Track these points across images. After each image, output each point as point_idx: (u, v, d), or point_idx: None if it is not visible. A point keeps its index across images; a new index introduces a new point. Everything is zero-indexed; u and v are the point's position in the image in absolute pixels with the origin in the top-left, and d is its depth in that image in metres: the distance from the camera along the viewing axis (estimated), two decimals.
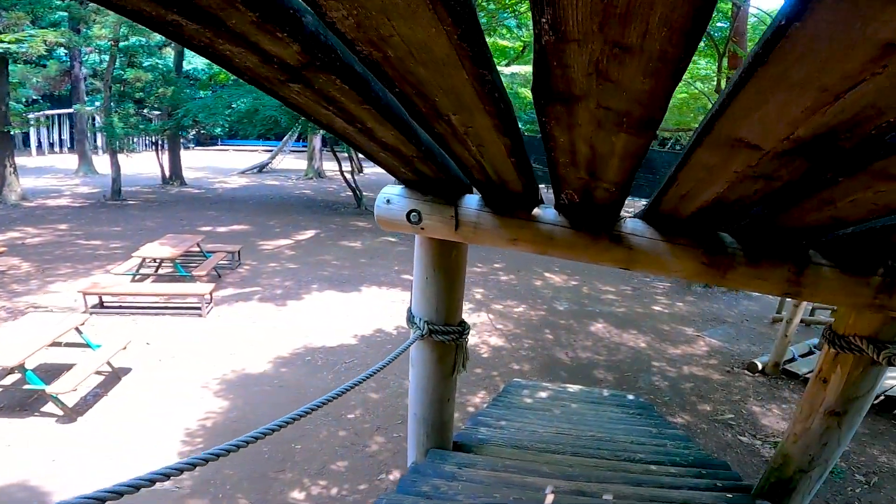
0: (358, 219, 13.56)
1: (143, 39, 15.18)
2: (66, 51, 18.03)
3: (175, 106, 14.53)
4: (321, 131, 16.43)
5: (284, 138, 22.72)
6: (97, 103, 16.87)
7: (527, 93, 11.58)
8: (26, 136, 21.51)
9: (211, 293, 6.95)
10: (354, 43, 0.73)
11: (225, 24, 0.67)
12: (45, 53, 13.09)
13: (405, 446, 2.82)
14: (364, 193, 15.24)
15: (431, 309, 2.02)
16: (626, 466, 2.56)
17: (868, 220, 1.13)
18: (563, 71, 0.68)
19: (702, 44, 12.44)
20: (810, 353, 6.62)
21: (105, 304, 6.84)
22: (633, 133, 0.85)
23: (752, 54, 0.57)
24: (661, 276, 9.33)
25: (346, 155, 16.73)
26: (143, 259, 7.88)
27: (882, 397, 5.29)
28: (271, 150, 24.19)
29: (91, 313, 6.36)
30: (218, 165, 22.94)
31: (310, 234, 11.78)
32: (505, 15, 11.61)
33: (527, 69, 11.15)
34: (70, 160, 19.60)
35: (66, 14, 13.77)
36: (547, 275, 9.94)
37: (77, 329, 5.11)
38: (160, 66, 15.69)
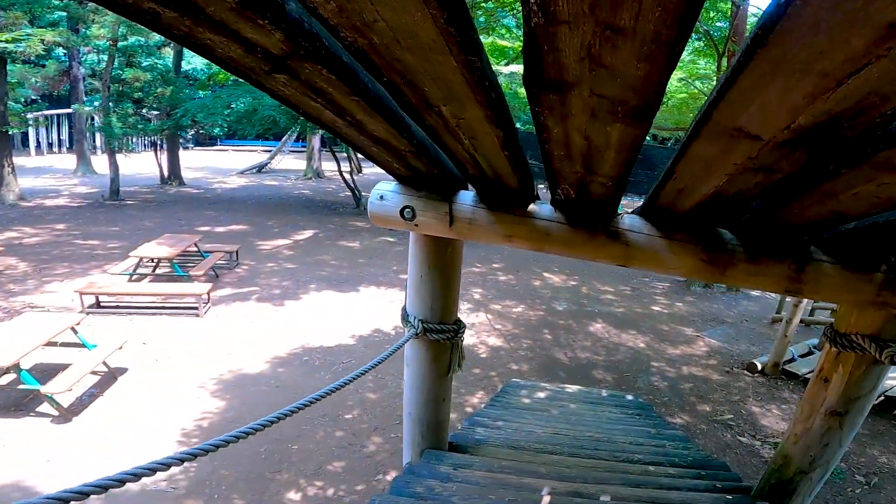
0: (356, 219, 13.54)
1: (142, 39, 15.18)
2: (64, 50, 18.00)
3: (174, 106, 14.50)
4: (320, 131, 16.38)
5: (283, 138, 22.69)
6: (96, 103, 16.83)
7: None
8: (25, 136, 21.44)
9: (208, 293, 6.93)
10: (338, 29, 0.71)
11: (203, 12, 0.64)
12: (43, 53, 13.05)
13: (403, 447, 2.79)
14: (363, 194, 15.21)
15: (426, 307, 1.99)
16: (624, 467, 2.54)
17: (871, 215, 1.11)
18: (555, 56, 0.65)
19: (701, 43, 12.47)
20: (810, 353, 6.61)
21: (102, 304, 6.81)
22: (629, 123, 0.83)
23: (751, 36, 0.54)
24: (660, 274, 9.30)
25: (344, 155, 16.73)
26: (141, 259, 7.86)
27: (882, 397, 5.26)
28: (270, 151, 24.14)
29: (87, 313, 6.34)
30: (217, 165, 22.90)
31: (308, 234, 11.75)
32: (503, 14, 11.58)
33: None
34: (68, 160, 19.55)
35: (64, 14, 13.76)
36: (546, 275, 9.92)
37: (73, 329, 5.08)
38: (159, 65, 15.67)
